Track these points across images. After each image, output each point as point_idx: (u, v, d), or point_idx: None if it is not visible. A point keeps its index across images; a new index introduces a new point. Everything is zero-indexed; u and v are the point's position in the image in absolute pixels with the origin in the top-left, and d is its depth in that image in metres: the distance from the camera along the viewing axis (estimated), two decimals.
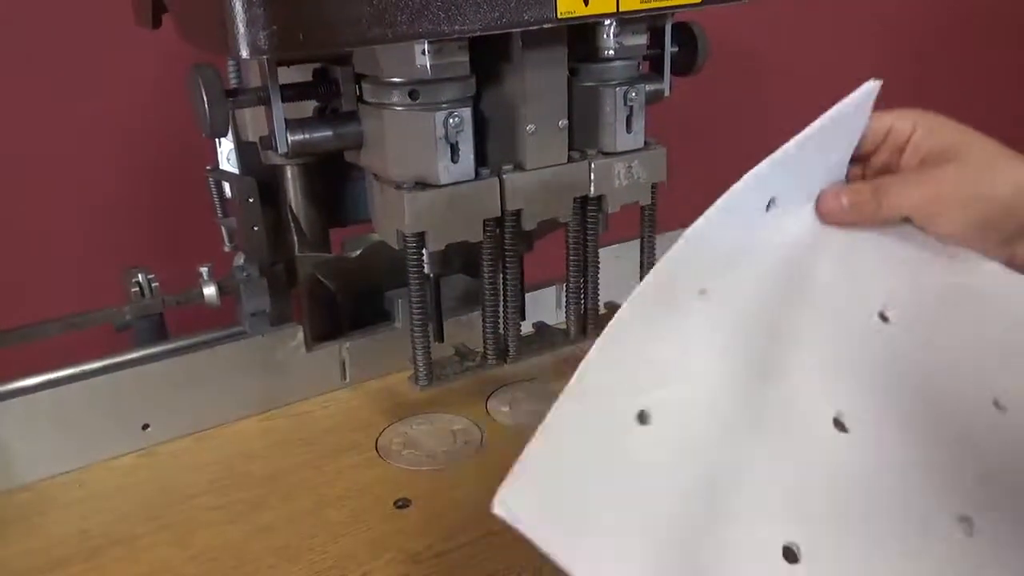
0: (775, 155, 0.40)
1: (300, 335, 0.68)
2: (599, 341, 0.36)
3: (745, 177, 0.39)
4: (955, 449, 0.40)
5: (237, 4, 0.38)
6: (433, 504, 0.55)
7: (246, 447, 0.63)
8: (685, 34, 0.67)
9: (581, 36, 0.57)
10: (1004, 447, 0.39)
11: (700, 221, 0.38)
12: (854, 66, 1.28)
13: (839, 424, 0.41)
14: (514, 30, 0.45)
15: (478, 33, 0.45)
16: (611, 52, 0.58)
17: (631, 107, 0.59)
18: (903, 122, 0.43)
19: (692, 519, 0.36)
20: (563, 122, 0.57)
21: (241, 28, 0.38)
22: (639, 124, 0.60)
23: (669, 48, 0.66)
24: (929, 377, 0.41)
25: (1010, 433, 0.40)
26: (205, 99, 0.50)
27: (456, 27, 0.42)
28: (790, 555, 0.37)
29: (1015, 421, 0.40)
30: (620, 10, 0.46)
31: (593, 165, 0.59)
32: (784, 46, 1.20)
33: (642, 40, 0.59)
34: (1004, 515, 0.38)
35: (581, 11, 0.45)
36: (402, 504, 0.55)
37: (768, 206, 0.41)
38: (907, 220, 0.42)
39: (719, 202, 0.38)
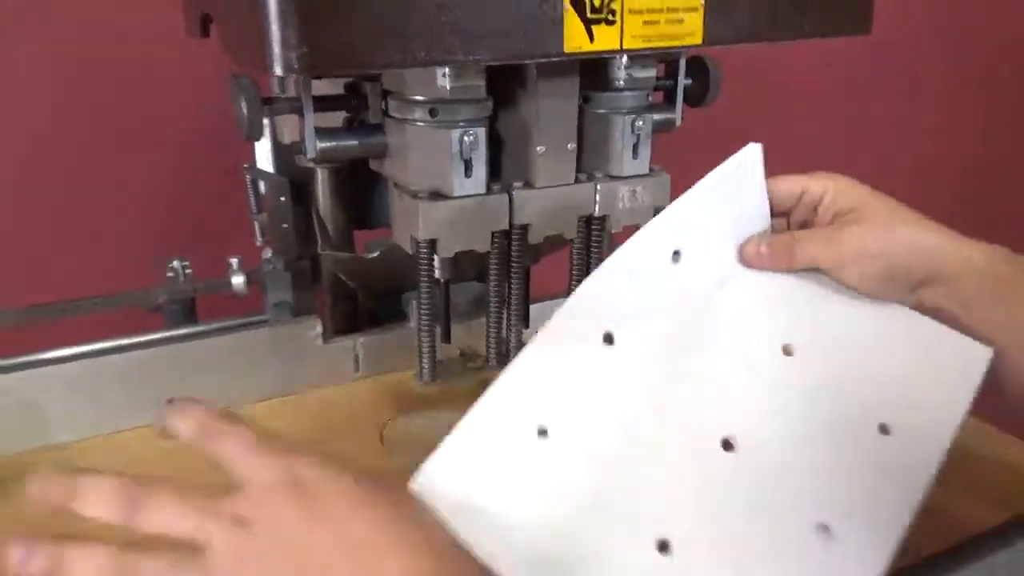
0: (664, 213, 0.48)
1: (319, 327, 0.72)
2: (507, 369, 0.43)
3: (636, 235, 0.46)
4: (832, 465, 0.44)
5: (273, 26, 0.43)
6: None
7: (265, 425, 0.67)
8: (698, 67, 0.70)
9: (594, 67, 0.61)
10: (879, 466, 0.44)
11: (592, 278, 0.45)
12: (860, 101, 1.31)
13: (728, 445, 0.45)
14: (524, 62, 0.49)
15: (490, 62, 0.49)
16: (621, 83, 0.62)
17: (638, 135, 0.63)
18: (816, 184, 0.50)
19: (582, 517, 0.41)
20: (572, 145, 0.61)
21: (276, 48, 0.43)
22: (645, 151, 0.64)
23: (682, 81, 0.70)
24: (821, 402, 0.46)
25: (889, 454, 0.44)
26: (244, 106, 0.56)
27: (470, 56, 0.46)
28: (663, 547, 0.41)
29: (897, 445, 0.44)
30: (624, 47, 0.50)
31: (599, 187, 0.62)
32: (799, 81, 1.23)
33: (651, 73, 0.63)
34: (863, 523, 0.42)
35: (587, 47, 0.49)
36: None
37: (674, 257, 0.47)
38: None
39: (612, 258, 0.45)
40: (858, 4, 0.59)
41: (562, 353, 0.44)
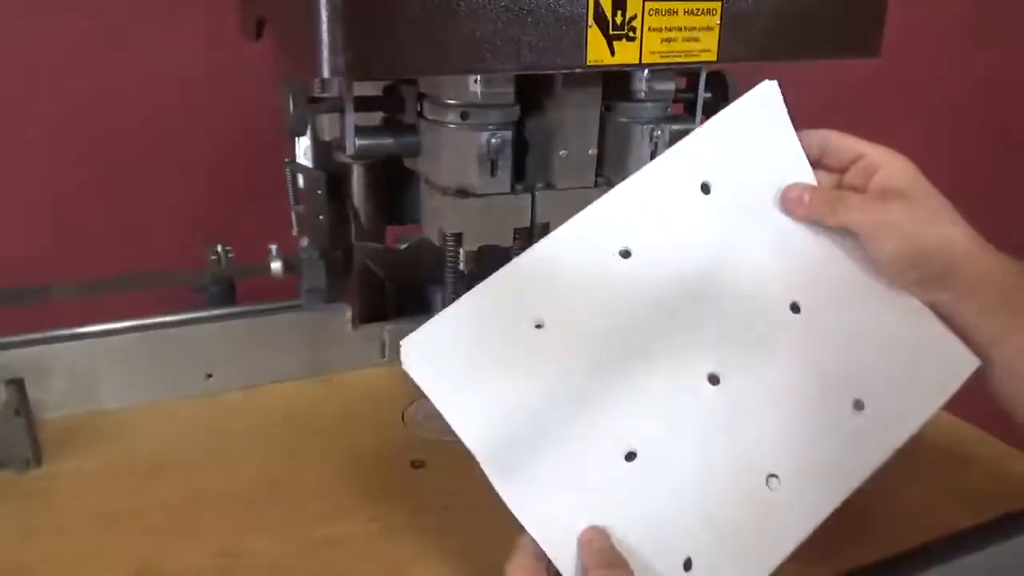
0: (687, 141, 0.51)
1: (349, 314, 0.77)
2: (515, 260, 0.47)
3: (663, 157, 0.50)
4: (802, 422, 0.48)
5: (324, 33, 0.47)
6: (445, 468, 0.64)
7: (291, 404, 0.72)
8: (718, 82, 0.74)
9: (617, 79, 0.65)
10: (843, 436, 0.48)
11: (617, 190, 0.48)
12: (874, 121, 1.33)
13: (713, 379, 0.48)
14: (548, 72, 0.53)
15: (517, 72, 0.53)
16: (642, 95, 0.66)
17: (656, 144, 0.67)
18: (877, 155, 0.50)
19: (557, 411, 0.45)
20: (592, 151, 0.65)
21: (325, 53, 0.47)
22: None
23: (702, 94, 0.73)
24: (809, 365, 0.49)
25: (855, 427, 0.48)
26: (291, 104, 0.60)
27: (499, 65, 0.50)
28: (630, 456, 0.46)
29: (865, 423, 0.48)
30: (642, 62, 0.54)
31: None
32: (816, 97, 1.25)
33: (671, 86, 0.67)
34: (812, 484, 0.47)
35: (608, 60, 0.53)
36: (418, 464, 0.64)
37: (703, 188, 0.50)
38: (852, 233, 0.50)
39: (638, 175, 0.49)
40: (868, 28, 0.62)
41: (576, 254, 0.47)
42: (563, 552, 0.44)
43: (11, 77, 0.87)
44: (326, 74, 0.48)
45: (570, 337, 0.46)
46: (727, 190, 0.51)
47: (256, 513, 0.58)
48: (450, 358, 0.44)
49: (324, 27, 0.47)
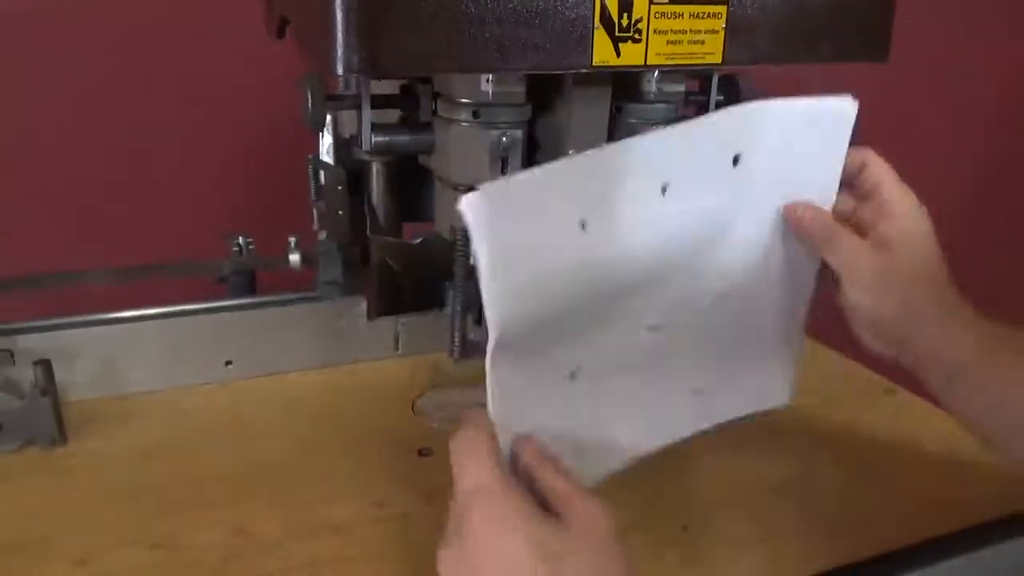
0: (744, 108, 0.51)
1: (364, 306, 0.79)
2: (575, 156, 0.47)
3: (713, 116, 0.52)
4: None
5: (339, 31, 0.49)
6: None
7: (307, 392, 0.74)
8: (731, 85, 0.75)
9: (627, 80, 0.67)
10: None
11: (664, 132, 0.49)
12: (891, 125, 1.33)
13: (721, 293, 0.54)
14: (554, 72, 0.55)
15: (524, 72, 0.55)
16: (652, 96, 0.67)
17: None
18: (893, 197, 0.51)
19: (587, 304, 0.48)
20: None
21: (339, 51, 0.49)
22: None
23: (714, 96, 0.74)
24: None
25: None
26: (310, 101, 0.63)
27: (507, 65, 0.52)
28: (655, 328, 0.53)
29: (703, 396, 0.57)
30: (647, 64, 0.56)
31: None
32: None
33: (680, 88, 0.68)
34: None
35: (613, 61, 0.55)
36: (425, 453, 0.66)
37: (734, 161, 0.51)
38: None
39: (684, 125, 0.50)
40: (876, 32, 0.63)
41: (626, 172, 0.47)
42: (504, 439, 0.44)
43: (47, 70, 0.90)
44: (340, 72, 0.50)
45: (603, 250, 0.47)
46: (753, 171, 0.52)
47: (269, 496, 0.60)
48: (507, 224, 0.42)
49: (339, 26, 0.49)
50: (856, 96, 0.52)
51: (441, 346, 0.82)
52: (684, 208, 0.50)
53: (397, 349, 0.81)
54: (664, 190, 0.49)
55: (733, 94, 0.75)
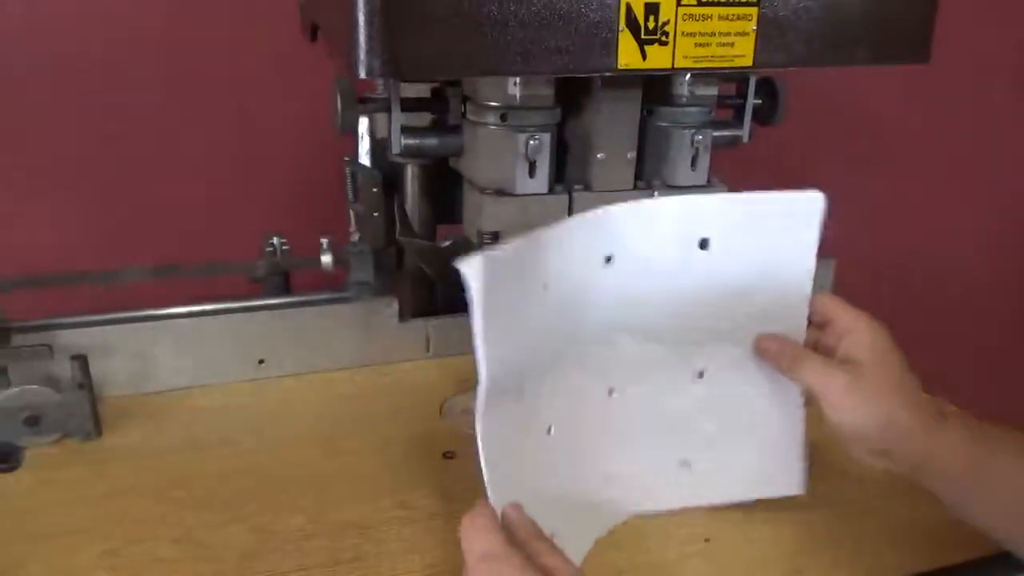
0: (702, 198, 0.54)
1: (396, 307, 0.79)
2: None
3: (667, 200, 0.53)
4: None
5: (362, 36, 0.50)
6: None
7: (337, 392, 0.75)
8: (768, 88, 0.74)
9: (659, 82, 0.66)
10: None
11: (617, 208, 0.52)
12: (932, 124, 1.29)
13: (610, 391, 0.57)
14: (579, 75, 0.54)
15: (548, 75, 0.55)
16: (684, 99, 0.66)
17: (697, 148, 0.67)
18: (845, 321, 0.53)
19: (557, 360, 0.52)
20: (631, 154, 0.66)
21: (362, 54, 0.50)
22: (703, 163, 0.68)
23: (751, 100, 0.73)
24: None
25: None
26: (340, 104, 0.63)
27: (529, 68, 0.52)
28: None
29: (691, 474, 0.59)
30: (675, 67, 0.55)
31: (656, 194, 0.67)
32: (873, 105, 1.22)
33: (713, 91, 0.67)
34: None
35: (639, 65, 0.54)
36: (449, 455, 0.66)
37: (702, 244, 0.54)
38: None
39: (632, 205, 0.52)
40: (916, 33, 0.61)
41: (575, 243, 0.51)
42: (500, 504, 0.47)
43: (91, 71, 0.93)
44: (362, 74, 0.51)
45: (560, 307, 0.51)
46: (723, 260, 0.54)
47: (293, 493, 0.61)
48: (498, 287, 0.45)
49: (361, 30, 0.50)
50: (823, 193, 0.53)
51: (471, 348, 0.82)
52: (632, 280, 0.53)
53: (428, 351, 0.81)
54: (609, 260, 0.52)
55: (771, 97, 0.74)
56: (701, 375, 0.57)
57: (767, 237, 0.53)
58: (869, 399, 0.50)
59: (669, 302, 0.54)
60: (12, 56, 0.90)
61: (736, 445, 0.58)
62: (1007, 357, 1.50)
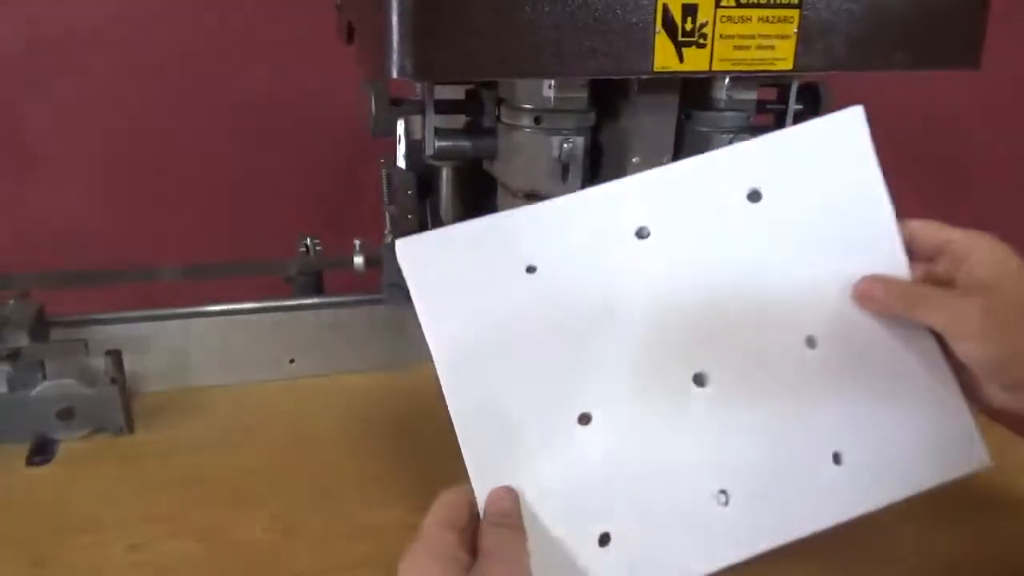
0: (744, 145, 0.49)
1: None
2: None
3: (710, 155, 0.49)
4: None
5: (393, 37, 0.49)
6: None
7: (364, 394, 0.75)
8: (811, 94, 0.72)
9: (697, 86, 0.64)
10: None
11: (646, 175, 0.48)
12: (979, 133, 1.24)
13: (698, 379, 0.47)
14: (613, 77, 0.53)
15: (582, 77, 0.54)
16: (722, 104, 0.65)
17: None
18: (965, 241, 0.46)
19: (531, 346, 0.45)
20: (667, 158, 0.64)
21: (394, 56, 0.49)
22: None
23: (792, 106, 0.71)
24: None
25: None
26: (373, 106, 0.63)
27: (564, 70, 0.51)
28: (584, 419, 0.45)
29: (843, 474, 0.47)
30: (712, 69, 0.53)
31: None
32: (925, 112, 1.19)
33: (752, 96, 0.65)
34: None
35: (676, 67, 0.53)
36: None
37: (751, 196, 0.48)
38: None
39: (678, 165, 0.48)
40: (966, 36, 0.59)
41: (591, 218, 0.47)
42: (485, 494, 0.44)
43: (137, 67, 0.94)
44: (394, 75, 0.50)
45: (557, 289, 0.46)
46: (781, 205, 0.48)
47: (317, 494, 0.60)
48: (441, 268, 0.45)
49: (394, 31, 0.49)
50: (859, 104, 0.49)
51: None
52: (680, 250, 0.47)
53: None
54: (643, 234, 0.47)
55: (813, 102, 0.72)
56: (812, 343, 0.47)
57: (821, 171, 0.48)
58: (1009, 325, 0.43)
59: (731, 267, 0.47)
60: (52, 55, 0.92)
61: (887, 422, 0.47)
62: None
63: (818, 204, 0.48)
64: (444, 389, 0.45)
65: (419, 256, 0.45)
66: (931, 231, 0.48)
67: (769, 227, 0.48)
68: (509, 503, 0.44)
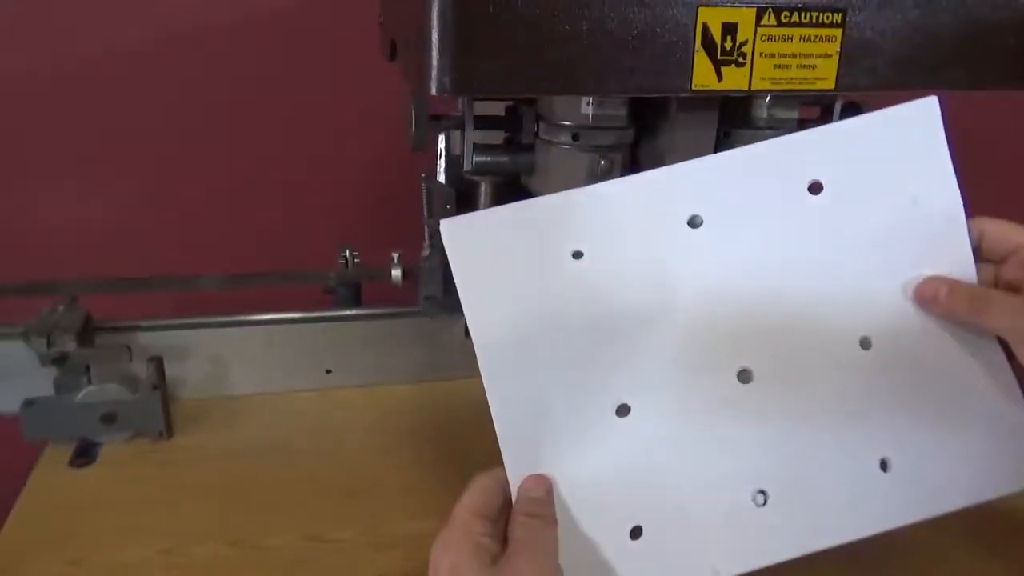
0: (809, 133, 0.48)
1: (462, 323, 0.79)
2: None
3: (778, 141, 0.48)
4: None
5: (434, 54, 0.50)
6: None
7: (400, 405, 0.76)
8: (854, 112, 0.71)
9: (736, 104, 0.64)
10: None
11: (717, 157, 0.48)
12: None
13: (745, 374, 0.45)
14: (651, 95, 0.53)
15: (619, 95, 0.54)
16: (763, 122, 0.64)
17: None
18: None
19: (568, 339, 0.44)
20: None
21: (434, 72, 0.50)
22: None
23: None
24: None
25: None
26: (414, 121, 0.64)
27: (602, 88, 0.51)
28: (623, 411, 0.45)
29: (892, 481, 0.45)
30: (752, 88, 0.53)
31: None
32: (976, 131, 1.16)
33: (794, 115, 0.64)
34: None
35: (715, 85, 0.52)
36: None
37: (812, 188, 0.47)
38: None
39: (746, 150, 0.48)
40: (1017, 55, 0.58)
41: (643, 204, 0.47)
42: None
43: (187, 90, 0.97)
44: (434, 91, 0.51)
45: (604, 276, 0.45)
46: (842, 198, 0.47)
47: (349, 503, 0.61)
48: (485, 250, 0.44)
49: (434, 47, 0.50)
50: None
51: None
52: (732, 243, 0.46)
53: None
54: (695, 223, 0.47)
55: None
56: (866, 344, 0.45)
57: (888, 163, 0.46)
58: None
59: (785, 260, 0.46)
60: (97, 68, 0.95)
61: (942, 430, 0.45)
62: None
63: (883, 198, 0.47)
64: (482, 372, 0.44)
65: (463, 238, 0.44)
66: (1003, 232, 0.46)
67: (828, 221, 0.46)
68: (542, 492, 0.43)
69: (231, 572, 0.54)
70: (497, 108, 0.71)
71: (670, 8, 0.50)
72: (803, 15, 0.52)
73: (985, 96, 0.59)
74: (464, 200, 0.83)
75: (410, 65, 0.59)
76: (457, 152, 0.81)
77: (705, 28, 0.51)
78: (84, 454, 0.66)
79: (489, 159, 0.67)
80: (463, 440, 0.70)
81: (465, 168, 0.67)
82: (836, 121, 0.49)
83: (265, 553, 0.55)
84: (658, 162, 0.64)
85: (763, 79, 0.53)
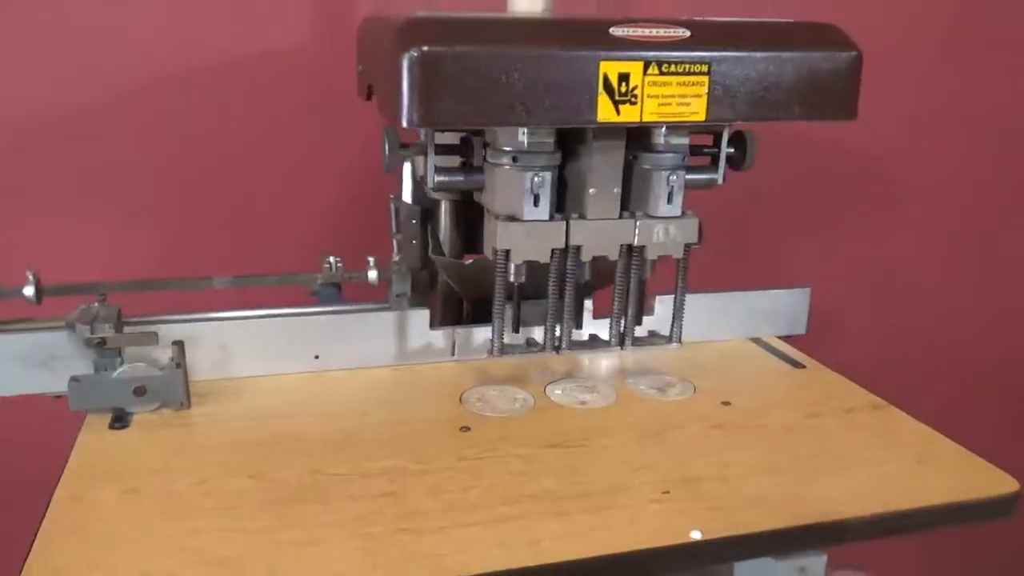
0: None
1: (427, 317, 0.96)
2: None
3: None
4: None
5: (404, 95, 0.67)
6: (487, 433, 0.80)
7: (377, 383, 0.91)
8: (739, 139, 0.90)
9: (640, 133, 0.82)
10: None
11: None
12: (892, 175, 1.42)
13: None
14: (568, 127, 0.71)
15: (546, 126, 0.71)
16: (661, 147, 0.82)
17: (672, 187, 0.83)
18: None
19: None
20: (617, 189, 0.82)
21: (404, 109, 0.67)
22: (678, 199, 0.83)
23: (724, 149, 0.89)
24: None
25: None
26: (386, 148, 0.81)
27: (532, 121, 0.69)
28: None
29: None
30: (642, 120, 0.71)
31: (638, 223, 0.83)
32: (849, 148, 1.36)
33: (684, 141, 0.83)
34: None
35: (614, 118, 0.70)
36: (465, 429, 0.81)
37: None
38: None
39: None
40: (844, 93, 0.76)
41: None
42: None
43: (178, 101, 1.13)
44: (405, 124, 0.68)
45: None
46: None
47: (339, 449, 0.76)
48: None
49: (404, 91, 0.67)
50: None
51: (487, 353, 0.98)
52: None
53: (452, 353, 0.97)
54: None
55: (742, 147, 0.89)
56: None
57: None
58: None
59: None
60: (107, 93, 1.10)
61: None
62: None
63: None
64: None
65: None
66: None
67: None
68: None
69: (255, 494, 0.68)
70: (453, 138, 0.88)
71: (580, 63, 0.69)
72: (678, 66, 0.71)
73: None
74: (427, 216, 1.00)
75: (385, 103, 0.76)
76: (421, 174, 0.98)
77: (606, 77, 0.70)
78: (119, 420, 0.80)
79: (448, 178, 0.84)
80: (427, 407, 0.86)
81: (429, 186, 0.84)
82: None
83: (279, 482, 0.70)
84: (580, 179, 0.82)
85: (651, 113, 0.72)
